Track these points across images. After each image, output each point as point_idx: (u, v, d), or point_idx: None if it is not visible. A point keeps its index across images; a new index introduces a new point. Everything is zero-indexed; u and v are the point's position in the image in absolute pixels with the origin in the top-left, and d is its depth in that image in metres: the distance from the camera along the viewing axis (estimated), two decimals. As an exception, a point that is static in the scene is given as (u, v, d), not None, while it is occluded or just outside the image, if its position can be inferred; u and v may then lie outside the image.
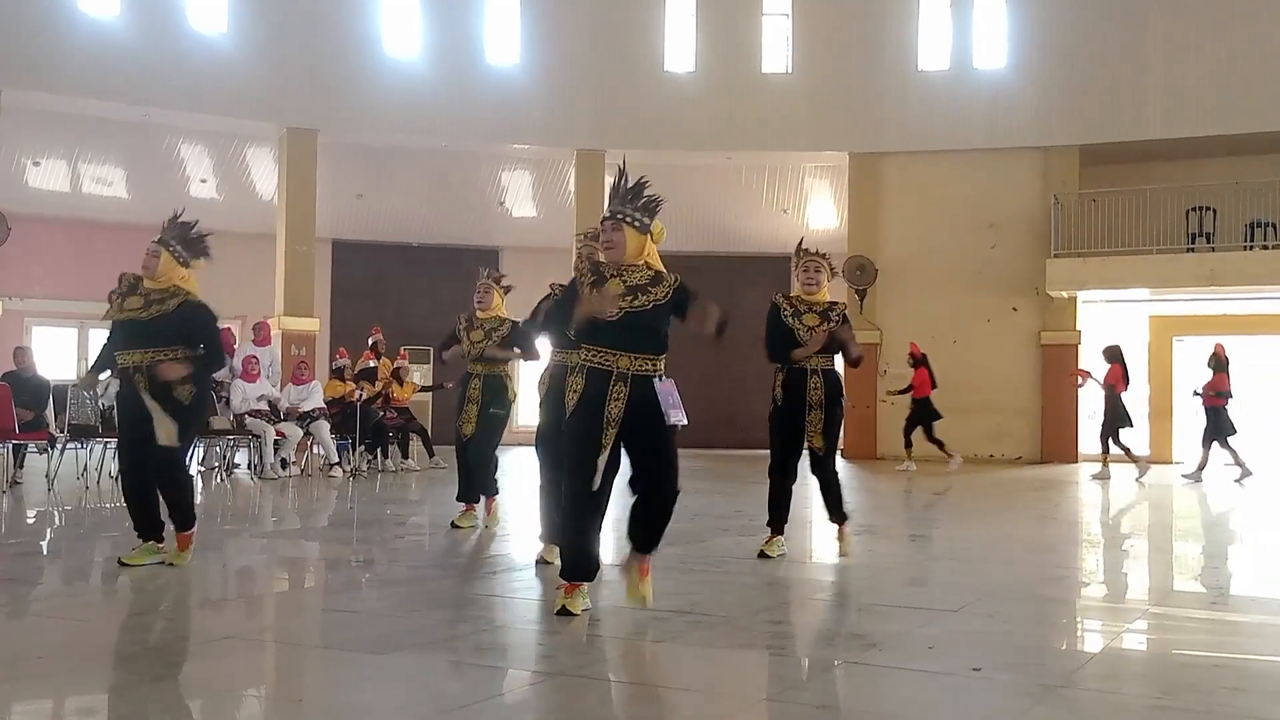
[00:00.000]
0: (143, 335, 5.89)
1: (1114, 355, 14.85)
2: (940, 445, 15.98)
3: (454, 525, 7.92)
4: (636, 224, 4.88)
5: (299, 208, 18.07)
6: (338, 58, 18.21)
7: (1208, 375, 14.76)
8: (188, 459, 6.38)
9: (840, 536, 6.62)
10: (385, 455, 14.37)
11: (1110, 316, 19.18)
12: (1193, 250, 17.93)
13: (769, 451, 6.60)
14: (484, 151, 20.02)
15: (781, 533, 6.64)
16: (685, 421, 4.81)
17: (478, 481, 8.00)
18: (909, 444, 16.11)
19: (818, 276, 6.58)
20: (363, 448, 13.98)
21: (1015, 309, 18.84)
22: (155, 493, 6.02)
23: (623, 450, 4.83)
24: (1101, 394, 15.00)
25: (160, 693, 3.75)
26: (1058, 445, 18.24)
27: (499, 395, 7.87)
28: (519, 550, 7.05)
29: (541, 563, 6.15)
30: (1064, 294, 18.36)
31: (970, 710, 3.60)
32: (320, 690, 3.77)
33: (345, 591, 5.81)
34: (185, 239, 6.05)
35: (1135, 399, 16.00)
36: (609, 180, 21.89)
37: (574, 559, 4.81)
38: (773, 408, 6.55)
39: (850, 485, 13.18)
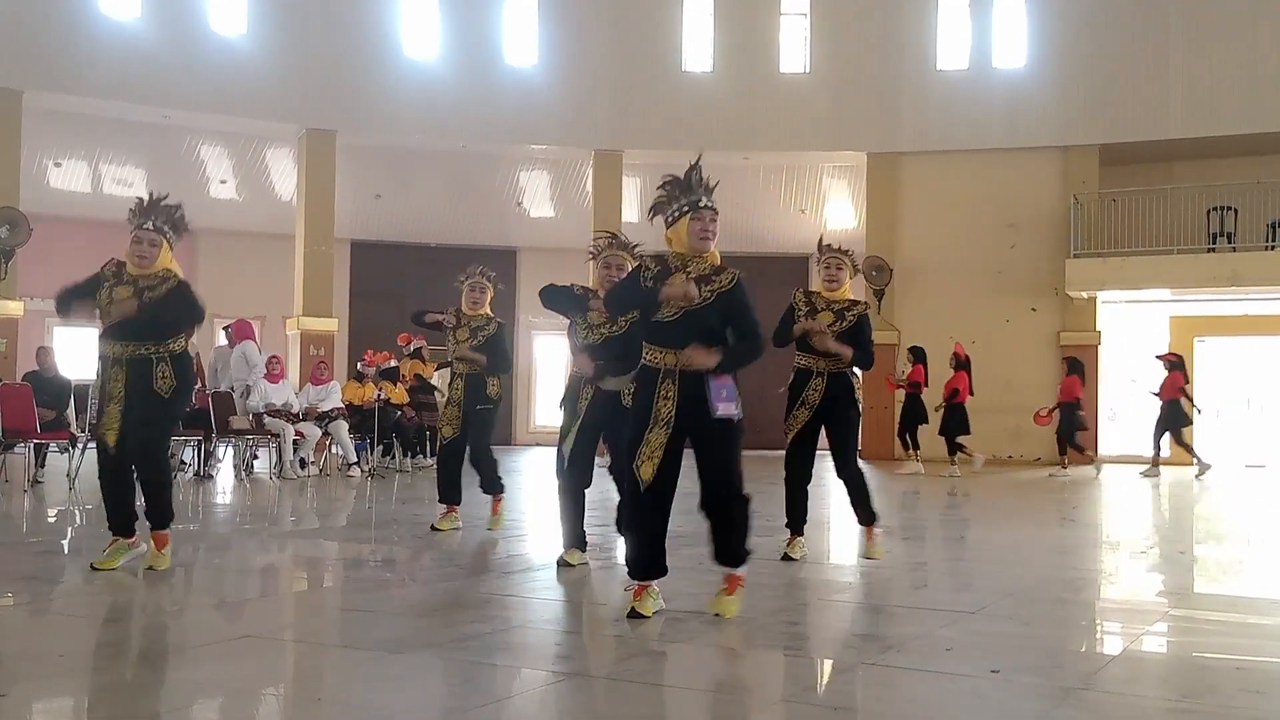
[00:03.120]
0: (132, 326, 5.68)
1: (919, 356, 15.24)
2: (910, 447, 15.20)
3: (433, 528, 7.84)
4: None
5: (318, 208, 18.15)
6: (357, 59, 18.27)
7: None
8: (169, 454, 6.31)
9: (868, 537, 6.55)
10: (406, 455, 14.41)
11: (1130, 317, 19.08)
12: (1214, 250, 17.82)
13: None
14: (502, 152, 20.05)
15: (801, 534, 6.62)
16: (738, 415, 4.76)
17: (485, 482, 7.99)
18: (952, 449, 15.28)
19: (839, 274, 6.54)
20: (380, 448, 14.05)
21: (1034, 309, 18.75)
22: (131, 488, 5.88)
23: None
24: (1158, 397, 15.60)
25: (180, 691, 3.77)
26: (1077, 446, 18.13)
27: (481, 392, 7.80)
28: (536, 550, 7.06)
29: (563, 564, 6.14)
30: (1084, 294, 18.29)
31: (989, 713, 3.59)
32: (339, 689, 3.79)
33: (363, 591, 5.82)
34: (174, 223, 5.83)
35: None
36: (627, 180, 21.83)
37: (635, 557, 4.83)
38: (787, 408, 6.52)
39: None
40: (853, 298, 6.58)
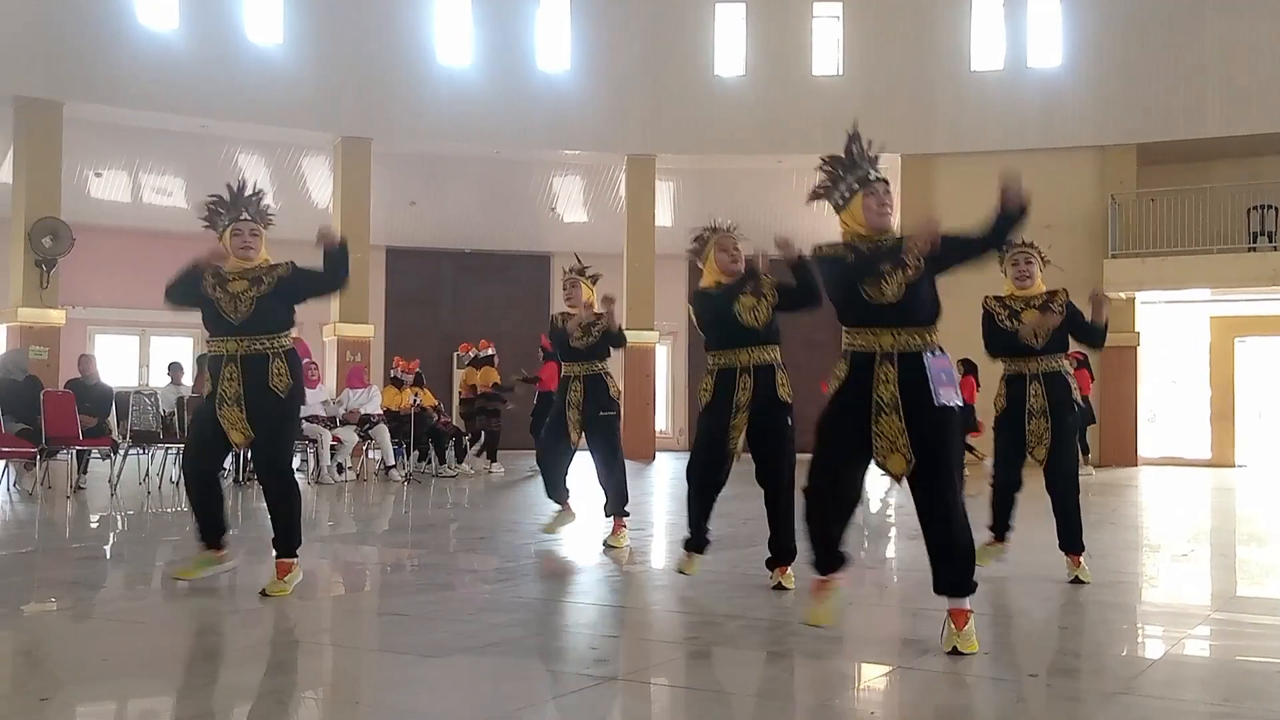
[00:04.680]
0: (251, 321, 5.44)
1: (969, 368, 15.11)
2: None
3: (544, 530, 7.52)
4: None
5: (353, 215, 18.26)
6: (391, 67, 18.38)
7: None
8: (294, 468, 5.93)
9: (1075, 564, 6.00)
10: (442, 460, 14.50)
11: (1170, 317, 18.87)
12: (1254, 249, 17.60)
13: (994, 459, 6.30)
14: (535, 158, 20.10)
15: (1005, 540, 6.29)
16: (959, 403, 4.31)
17: (611, 502, 7.33)
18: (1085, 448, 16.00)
19: (1029, 268, 6.14)
20: (416, 453, 14.15)
21: (1072, 311, 18.57)
22: (221, 496, 5.79)
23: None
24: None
25: (219, 695, 3.81)
26: (1117, 448, 17.96)
27: (603, 395, 7.21)
28: (574, 553, 7.07)
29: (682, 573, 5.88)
30: (1122, 295, 18.09)
31: (1028, 717, 3.56)
32: (377, 693, 3.81)
33: (401, 595, 5.85)
34: (263, 215, 5.71)
35: (1196, 401, 15.82)
36: (660, 185, 21.64)
37: (824, 550, 4.47)
38: (998, 413, 6.12)
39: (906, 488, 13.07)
40: (1048, 289, 6.15)
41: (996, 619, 5.01)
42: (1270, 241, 17.60)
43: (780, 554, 5.71)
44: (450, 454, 14.70)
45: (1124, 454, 17.88)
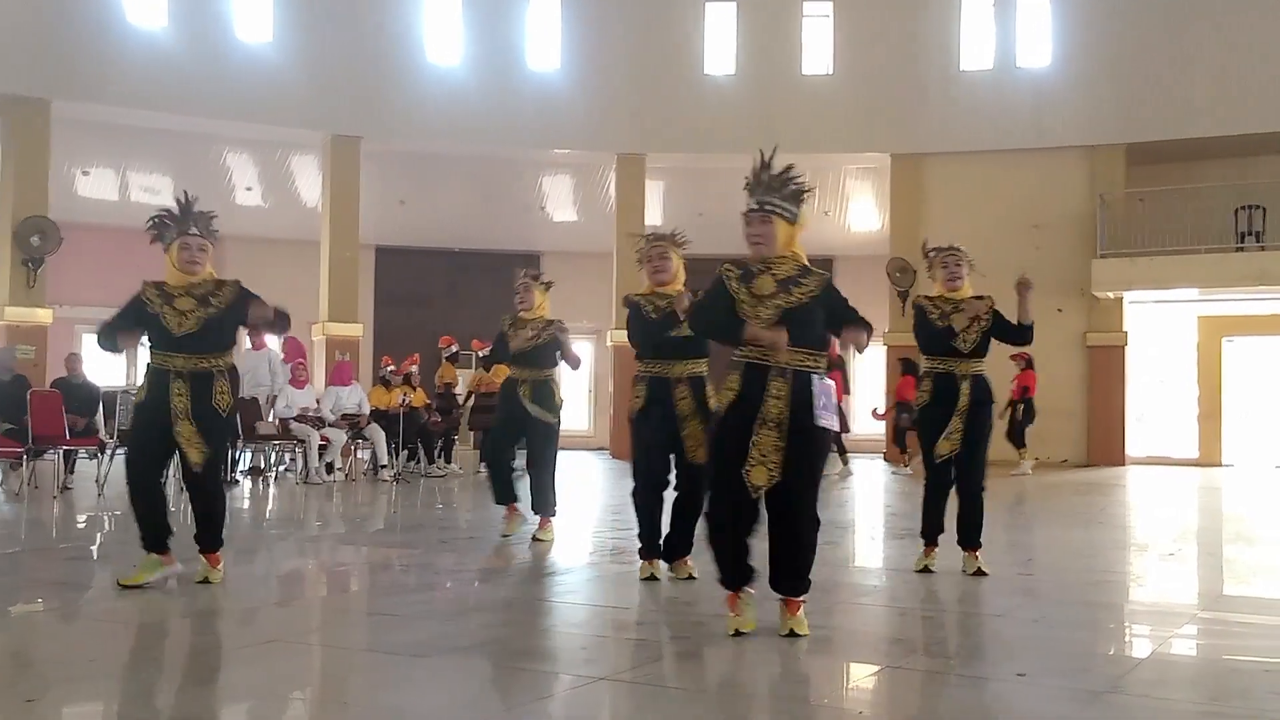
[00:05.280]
0: (194, 337, 5.51)
1: (909, 368, 14.96)
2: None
3: (504, 535, 7.51)
4: (786, 214, 4.63)
5: (343, 214, 18.23)
6: (381, 66, 18.36)
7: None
8: (224, 474, 6.30)
9: (973, 556, 6.10)
10: (431, 460, 14.48)
11: (1158, 317, 18.94)
12: (1242, 249, 17.67)
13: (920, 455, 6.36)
14: (525, 157, 20.09)
15: (936, 544, 6.27)
16: (836, 427, 4.53)
17: (544, 497, 7.45)
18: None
19: (959, 270, 6.28)
20: (405, 452, 14.12)
21: (1060, 310, 18.57)
22: (165, 502, 5.76)
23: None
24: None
25: (208, 696, 3.80)
26: (1104, 448, 18.03)
27: (548, 401, 7.34)
28: (562, 554, 7.07)
29: (652, 579, 5.86)
30: (1110, 295, 18.17)
31: (1015, 716, 3.57)
32: (365, 693, 3.81)
33: (389, 595, 5.85)
34: (209, 229, 5.75)
35: (1183, 400, 15.85)
36: (650, 184, 21.62)
37: (729, 568, 4.57)
38: (919, 407, 6.24)
39: (892, 489, 13.21)
40: (975, 294, 6.31)
41: (984, 619, 5.02)
42: (1258, 241, 17.67)
43: (682, 546, 5.88)
44: (439, 453, 14.69)
45: (1111, 453, 17.94)
